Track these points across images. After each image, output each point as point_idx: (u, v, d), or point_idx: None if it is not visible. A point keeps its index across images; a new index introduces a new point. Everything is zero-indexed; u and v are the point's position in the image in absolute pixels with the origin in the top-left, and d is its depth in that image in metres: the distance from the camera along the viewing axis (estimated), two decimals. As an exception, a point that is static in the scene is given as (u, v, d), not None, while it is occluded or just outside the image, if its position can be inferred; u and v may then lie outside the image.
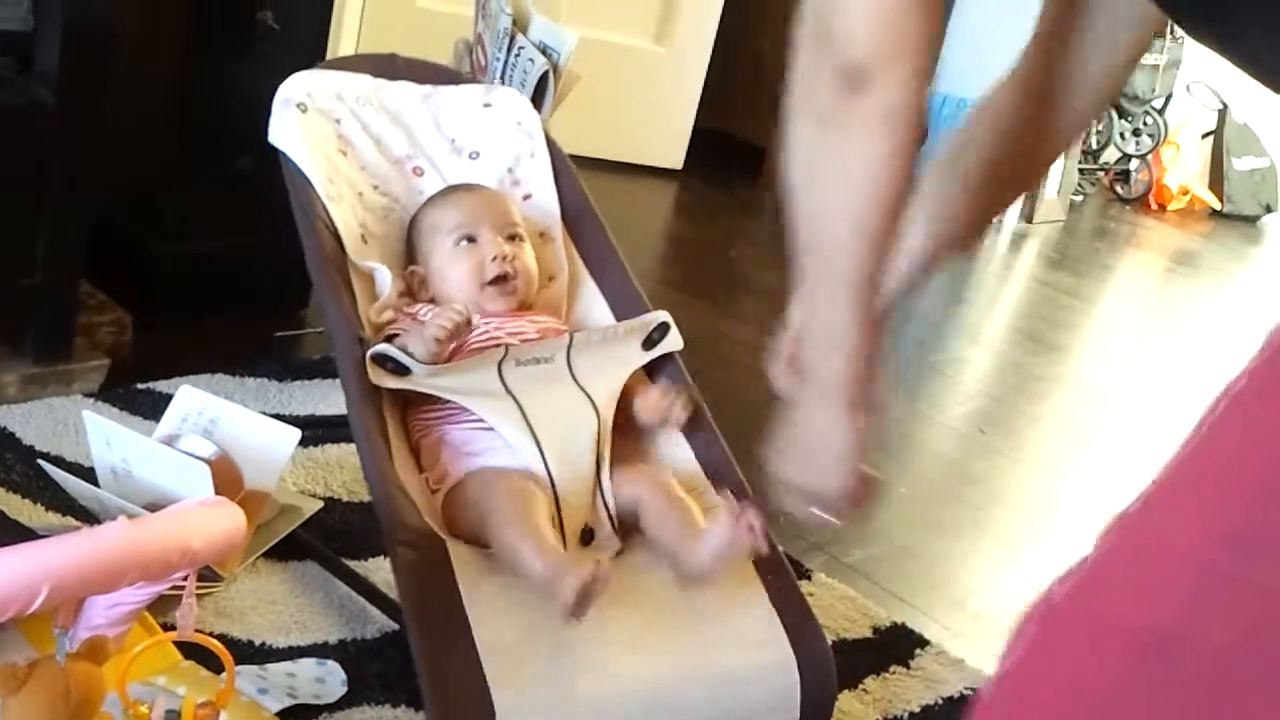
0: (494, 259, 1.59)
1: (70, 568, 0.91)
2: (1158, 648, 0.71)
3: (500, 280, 1.60)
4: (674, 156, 4.04)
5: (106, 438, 1.51)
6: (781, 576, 1.46)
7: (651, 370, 1.62)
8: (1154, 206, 5.11)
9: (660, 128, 4.00)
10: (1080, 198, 4.96)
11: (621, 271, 1.72)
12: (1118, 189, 5.20)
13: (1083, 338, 3.65)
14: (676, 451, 1.59)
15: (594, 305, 1.71)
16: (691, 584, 1.39)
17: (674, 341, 1.60)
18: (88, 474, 1.59)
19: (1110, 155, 5.12)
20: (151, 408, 1.78)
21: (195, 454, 1.47)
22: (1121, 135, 5.04)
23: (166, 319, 2.11)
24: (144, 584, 1.23)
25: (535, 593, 1.31)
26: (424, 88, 1.79)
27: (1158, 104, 4.98)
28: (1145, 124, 5.02)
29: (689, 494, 1.48)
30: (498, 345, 1.53)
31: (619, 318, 1.68)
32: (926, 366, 3.13)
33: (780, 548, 1.51)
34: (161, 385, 1.92)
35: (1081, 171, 4.87)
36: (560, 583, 1.26)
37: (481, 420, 1.46)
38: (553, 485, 1.42)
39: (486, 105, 1.81)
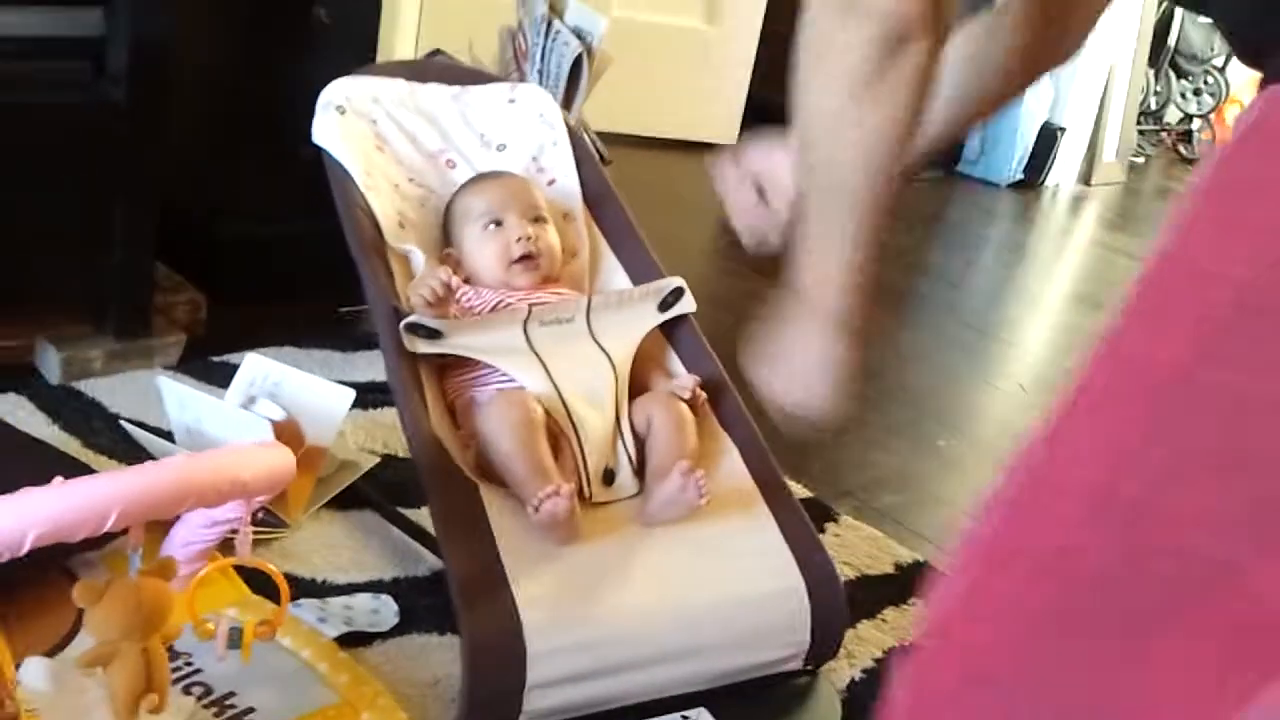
0: (518, 240, 1.73)
1: (135, 494, 1.06)
2: (1062, 569, 0.80)
3: (525, 259, 1.73)
4: (728, 132, 4.15)
5: (180, 400, 1.67)
6: (790, 510, 1.57)
7: (669, 332, 1.75)
8: (1218, 166, 5.08)
9: (714, 105, 4.11)
10: (1141, 159, 4.96)
11: (639, 245, 1.85)
12: (1181, 149, 5.19)
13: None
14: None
15: (615, 276, 1.84)
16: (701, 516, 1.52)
17: (688, 304, 1.73)
18: (168, 437, 1.77)
19: (1172, 115, 5.11)
20: (225, 378, 1.90)
21: (266, 416, 1.63)
22: (1182, 95, 5.03)
23: (238, 299, 2.26)
24: (211, 523, 1.40)
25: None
26: (453, 88, 1.93)
27: (1218, 62, 4.96)
28: (1206, 83, 5.01)
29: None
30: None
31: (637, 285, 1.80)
32: (978, 331, 3.20)
33: (785, 477, 1.63)
34: (234, 358, 2.05)
35: (1141, 132, 4.87)
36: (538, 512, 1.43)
37: (509, 380, 1.59)
38: (575, 431, 1.56)
39: (511, 101, 1.95)
